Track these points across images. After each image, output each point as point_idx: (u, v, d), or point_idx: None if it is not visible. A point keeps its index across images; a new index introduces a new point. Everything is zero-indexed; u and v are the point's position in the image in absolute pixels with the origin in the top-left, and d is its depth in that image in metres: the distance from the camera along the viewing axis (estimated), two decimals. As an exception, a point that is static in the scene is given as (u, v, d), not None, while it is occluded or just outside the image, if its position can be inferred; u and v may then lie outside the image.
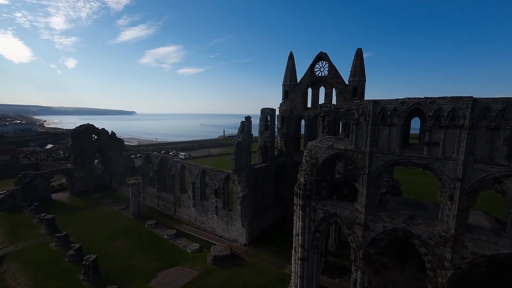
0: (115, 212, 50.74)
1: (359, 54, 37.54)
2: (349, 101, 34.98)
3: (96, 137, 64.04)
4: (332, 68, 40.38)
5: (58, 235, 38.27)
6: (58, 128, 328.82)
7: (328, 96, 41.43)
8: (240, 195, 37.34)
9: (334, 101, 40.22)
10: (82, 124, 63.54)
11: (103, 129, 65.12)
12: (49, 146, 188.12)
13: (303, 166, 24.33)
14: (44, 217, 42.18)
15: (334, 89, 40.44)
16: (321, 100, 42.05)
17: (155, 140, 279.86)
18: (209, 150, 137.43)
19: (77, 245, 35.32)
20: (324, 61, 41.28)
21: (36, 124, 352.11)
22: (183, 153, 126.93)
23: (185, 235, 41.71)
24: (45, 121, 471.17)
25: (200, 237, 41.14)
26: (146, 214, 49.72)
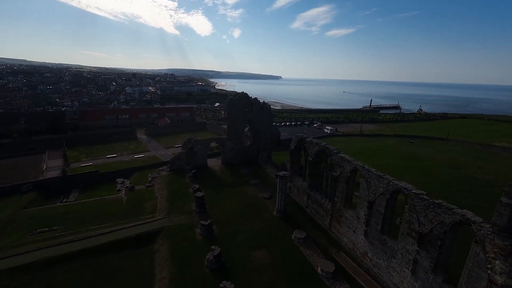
0: (258, 200, 43.07)
1: None
2: None
3: (247, 107, 57.99)
4: None
5: (203, 223, 33.50)
6: (224, 90, 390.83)
7: None
8: None
9: None
10: (237, 93, 58.81)
11: (255, 99, 58.16)
12: (217, 104, 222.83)
13: None
14: (196, 195, 39.23)
15: None
16: None
17: (297, 106, 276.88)
18: (360, 126, 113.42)
19: (217, 250, 28.51)
20: None
21: (210, 86, 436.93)
22: (329, 127, 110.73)
23: (347, 278, 27.23)
24: (216, 83, 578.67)
25: (373, 292, 25.54)
26: (293, 214, 38.87)
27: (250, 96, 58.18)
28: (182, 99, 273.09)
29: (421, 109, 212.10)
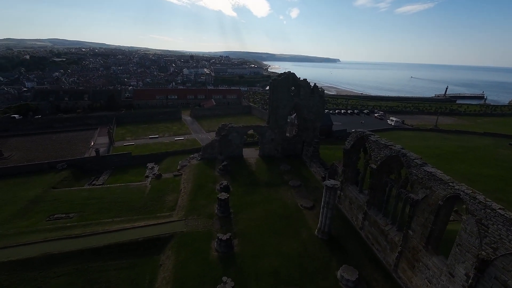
0: (297, 209, 33.67)
1: None
2: None
3: (294, 90, 47.46)
4: None
5: (221, 237, 26.06)
6: (276, 73, 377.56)
7: None
8: None
9: None
10: (284, 72, 48.53)
11: (304, 80, 47.05)
12: (267, 88, 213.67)
13: None
14: (219, 196, 31.93)
15: None
16: None
17: (355, 92, 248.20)
18: (436, 119, 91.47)
19: (229, 285, 20.81)
20: None
21: (263, 68, 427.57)
22: (394, 119, 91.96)
23: None
24: (269, 66, 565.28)
25: None
26: (341, 236, 28.65)
27: (298, 77, 47.31)
28: (234, 82, 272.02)
29: None
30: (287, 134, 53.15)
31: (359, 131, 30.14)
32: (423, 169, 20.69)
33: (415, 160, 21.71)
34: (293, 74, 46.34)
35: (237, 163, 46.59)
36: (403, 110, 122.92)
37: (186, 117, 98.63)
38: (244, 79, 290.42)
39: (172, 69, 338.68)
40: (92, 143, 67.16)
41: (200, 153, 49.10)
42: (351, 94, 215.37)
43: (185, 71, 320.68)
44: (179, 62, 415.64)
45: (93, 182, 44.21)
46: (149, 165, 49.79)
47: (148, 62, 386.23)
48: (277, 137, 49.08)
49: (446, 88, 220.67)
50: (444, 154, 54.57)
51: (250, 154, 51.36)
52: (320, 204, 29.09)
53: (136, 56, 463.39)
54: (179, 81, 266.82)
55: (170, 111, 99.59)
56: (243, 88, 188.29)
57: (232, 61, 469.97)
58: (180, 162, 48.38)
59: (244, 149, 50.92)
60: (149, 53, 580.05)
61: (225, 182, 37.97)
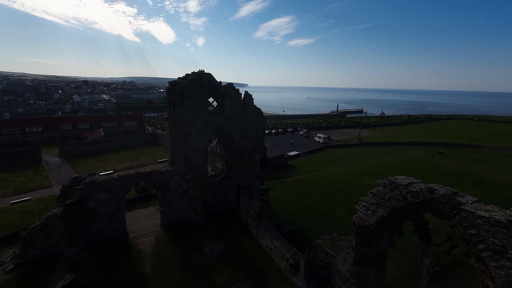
0: None
1: None
2: None
3: (215, 104, 26.57)
4: None
5: None
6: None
7: None
8: None
9: None
10: (193, 72, 26.91)
11: (230, 86, 26.75)
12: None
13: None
14: None
15: None
16: None
17: (267, 112, 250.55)
18: (359, 132, 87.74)
19: None
20: None
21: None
22: (322, 135, 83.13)
23: None
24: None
25: None
26: None
27: (218, 81, 26.83)
28: (141, 108, 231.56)
29: (383, 112, 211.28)
30: (214, 175, 30.93)
31: (415, 182, 11.18)
32: None
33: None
34: (209, 74, 25.55)
35: (114, 256, 21.00)
36: (320, 126, 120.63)
37: (52, 157, 63.00)
38: (153, 105, 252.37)
39: (57, 96, 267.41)
40: None
41: (17, 250, 20.96)
42: (267, 114, 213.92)
43: (76, 97, 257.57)
44: (67, 88, 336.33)
45: None
46: None
47: (20, 88, 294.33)
48: (192, 187, 26.31)
49: (337, 105, 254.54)
50: (402, 175, 43.79)
51: (145, 224, 26.49)
52: None
53: (4, 82, 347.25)
54: (68, 110, 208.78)
55: (22, 152, 61.52)
56: (152, 114, 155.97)
57: (138, 86, 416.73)
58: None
59: (131, 213, 25.72)
60: (26, 79, 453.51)
61: None
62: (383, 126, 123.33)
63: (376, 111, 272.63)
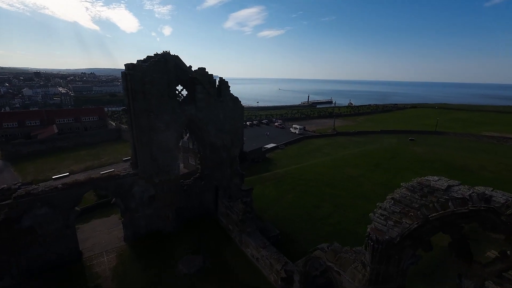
0: None
1: None
2: None
3: (183, 90, 22.41)
4: None
5: None
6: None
7: None
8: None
9: None
10: (157, 53, 22.20)
11: (202, 70, 22.69)
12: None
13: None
14: None
15: None
16: None
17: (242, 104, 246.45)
18: (333, 122, 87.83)
19: None
20: None
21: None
22: (297, 126, 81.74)
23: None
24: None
25: None
26: None
27: (187, 65, 22.57)
28: (104, 101, 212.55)
29: (351, 103, 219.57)
30: (187, 173, 26.80)
31: (454, 185, 8.58)
32: None
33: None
34: (176, 56, 21.22)
35: (62, 286, 16.50)
36: (294, 117, 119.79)
37: (-10, 161, 53.31)
38: (117, 98, 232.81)
39: (3, 89, 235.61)
40: None
41: None
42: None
43: (27, 91, 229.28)
44: (16, 80, 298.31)
45: None
46: None
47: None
48: (161, 192, 22.17)
49: (308, 97, 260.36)
50: (382, 164, 43.49)
51: (104, 238, 21.90)
52: None
53: None
54: (17, 105, 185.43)
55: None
56: (116, 108, 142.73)
57: (99, 78, 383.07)
58: None
59: (88, 225, 20.97)
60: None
61: None
62: (355, 116, 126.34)
63: (344, 102, 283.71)
